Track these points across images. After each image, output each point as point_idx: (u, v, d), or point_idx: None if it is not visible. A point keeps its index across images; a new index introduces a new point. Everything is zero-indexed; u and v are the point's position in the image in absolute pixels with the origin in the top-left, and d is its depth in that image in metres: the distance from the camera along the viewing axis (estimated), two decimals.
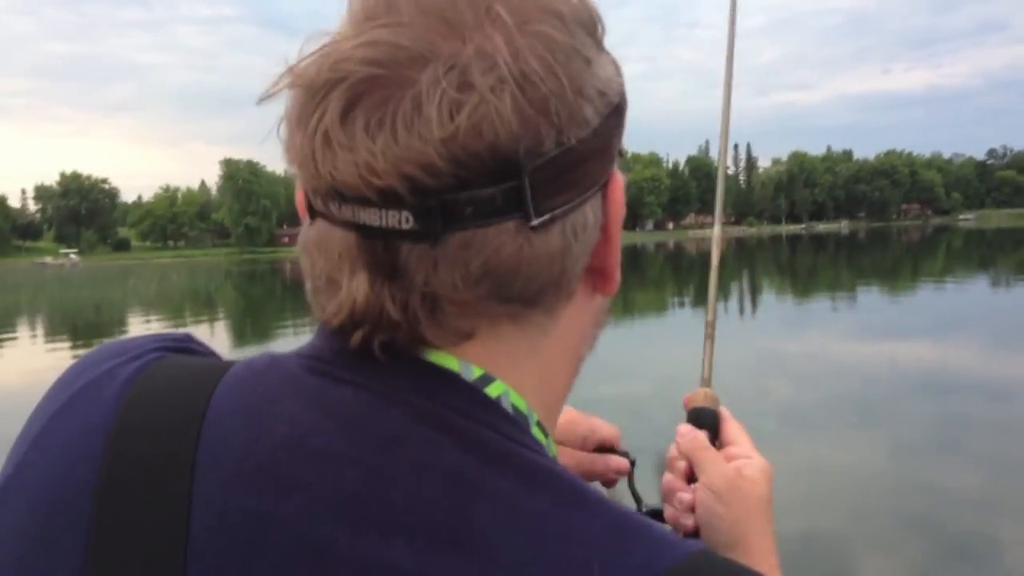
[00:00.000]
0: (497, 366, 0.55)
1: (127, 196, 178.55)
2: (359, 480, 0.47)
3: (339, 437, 0.49)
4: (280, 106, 0.51)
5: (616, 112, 0.55)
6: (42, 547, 0.50)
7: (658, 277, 38.38)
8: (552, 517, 0.47)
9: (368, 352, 0.52)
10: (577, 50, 0.51)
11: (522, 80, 0.47)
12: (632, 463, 0.97)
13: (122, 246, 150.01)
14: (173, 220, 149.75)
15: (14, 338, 21.57)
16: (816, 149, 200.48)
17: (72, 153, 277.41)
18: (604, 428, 0.97)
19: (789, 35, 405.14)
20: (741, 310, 21.28)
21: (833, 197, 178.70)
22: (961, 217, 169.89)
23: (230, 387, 0.54)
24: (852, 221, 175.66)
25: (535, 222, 0.50)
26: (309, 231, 0.54)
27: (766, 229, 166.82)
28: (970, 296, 22.14)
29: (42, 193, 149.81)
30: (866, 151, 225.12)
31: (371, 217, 0.48)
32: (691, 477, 0.86)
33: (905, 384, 10.78)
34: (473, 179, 0.47)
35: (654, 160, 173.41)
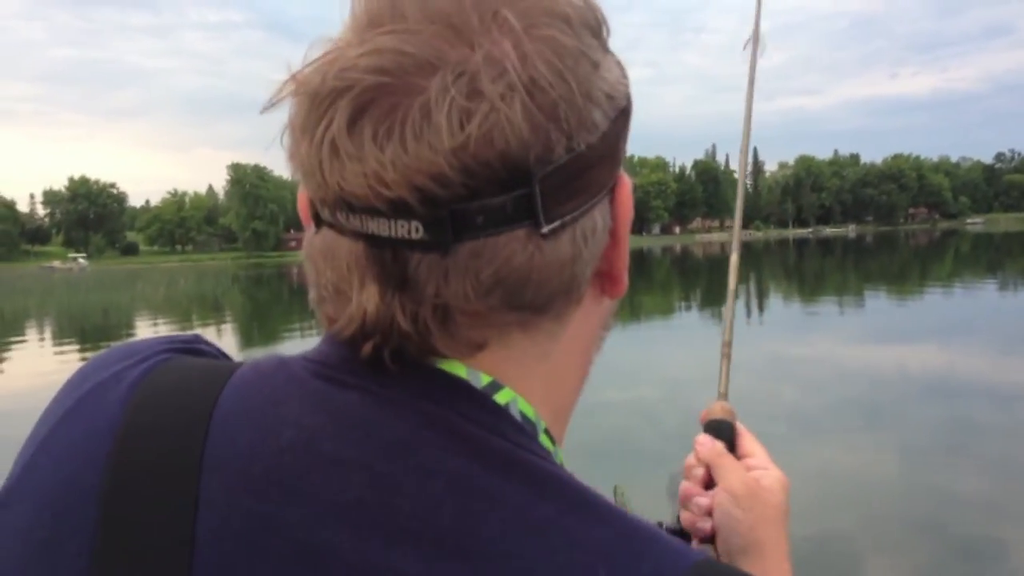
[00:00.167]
0: (506, 374, 0.54)
1: (135, 201, 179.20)
2: (365, 485, 0.47)
3: (345, 442, 0.49)
4: (286, 111, 0.50)
5: (623, 115, 0.55)
6: (48, 550, 0.49)
7: (665, 281, 38.36)
8: (559, 524, 0.47)
9: (377, 359, 0.52)
10: (585, 53, 0.50)
11: (531, 86, 0.47)
12: None
13: (130, 250, 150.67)
14: (181, 225, 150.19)
15: (23, 341, 21.64)
16: (823, 153, 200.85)
17: (80, 158, 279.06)
18: None
19: (796, 39, 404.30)
20: (748, 314, 21.22)
21: (840, 201, 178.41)
22: (969, 221, 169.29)
23: (236, 389, 0.54)
24: (859, 225, 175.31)
25: (545, 229, 0.49)
26: (315, 239, 0.53)
27: (773, 233, 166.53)
28: (978, 300, 22.04)
29: (51, 198, 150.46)
30: (873, 155, 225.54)
31: (380, 227, 0.48)
32: (708, 484, 0.87)
33: (913, 388, 10.75)
34: (483, 188, 0.47)
35: (660, 164, 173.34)
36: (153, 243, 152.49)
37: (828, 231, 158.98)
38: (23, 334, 24.12)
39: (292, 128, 0.50)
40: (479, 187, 0.47)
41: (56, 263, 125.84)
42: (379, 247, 0.49)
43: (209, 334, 19.88)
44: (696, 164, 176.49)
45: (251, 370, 0.56)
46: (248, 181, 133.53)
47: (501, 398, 0.54)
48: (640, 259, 64.18)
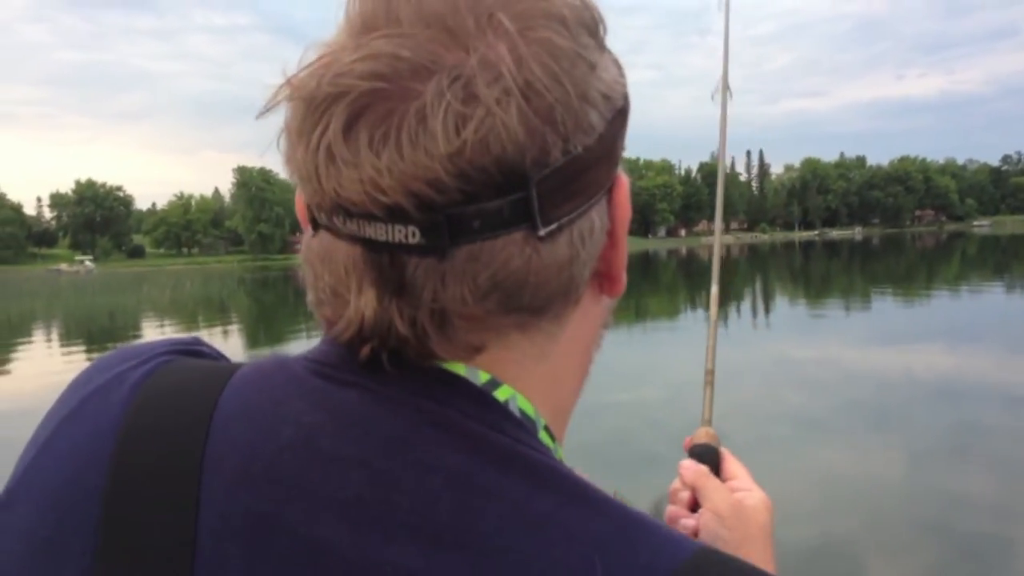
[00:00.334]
0: (505, 373, 0.54)
1: (141, 204, 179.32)
2: (364, 482, 0.47)
3: (344, 439, 0.49)
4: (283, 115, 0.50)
5: (620, 115, 0.54)
6: (50, 550, 0.50)
7: (671, 283, 38.32)
8: (557, 517, 0.47)
9: (375, 360, 0.52)
10: (581, 55, 0.50)
11: (527, 90, 0.46)
12: None
13: (136, 253, 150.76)
14: (187, 227, 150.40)
15: (30, 343, 21.73)
16: (829, 155, 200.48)
17: (86, 161, 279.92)
18: None
19: (800, 41, 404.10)
20: (754, 316, 21.23)
21: (846, 203, 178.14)
22: (976, 223, 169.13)
23: (237, 389, 0.54)
24: (866, 227, 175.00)
25: (542, 232, 0.49)
26: (312, 242, 0.53)
27: (779, 235, 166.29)
28: (985, 303, 22.02)
29: (57, 201, 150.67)
30: (879, 157, 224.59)
31: (377, 232, 0.48)
32: (693, 507, 0.89)
33: (919, 390, 10.73)
34: (480, 192, 0.47)
35: (666, 167, 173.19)
36: (159, 246, 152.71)
37: (834, 233, 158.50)
38: (30, 336, 24.23)
39: (288, 133, 0.50)
40: (475, 192, 0.46)
41: (63, 266, 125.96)
42: (376, 251, 0.49)
43: (215, 336, 19.96)
44: (702, 167, 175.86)
45: (251, 370, 0.57)
46: (254, 184, 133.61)
47: (500, 395, 0.54)
48: (645, 262, 64.14)
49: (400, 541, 0.45)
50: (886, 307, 22.45)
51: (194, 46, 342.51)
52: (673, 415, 8.88)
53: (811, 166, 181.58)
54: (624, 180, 0.57)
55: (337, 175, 0.47)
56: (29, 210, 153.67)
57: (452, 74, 0.46)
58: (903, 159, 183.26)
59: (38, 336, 24.52)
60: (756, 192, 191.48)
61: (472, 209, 0.47)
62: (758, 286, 33.39)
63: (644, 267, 54.82)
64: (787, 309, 23.54)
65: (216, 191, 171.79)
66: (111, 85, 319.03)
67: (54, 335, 24.75)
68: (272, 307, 33.33)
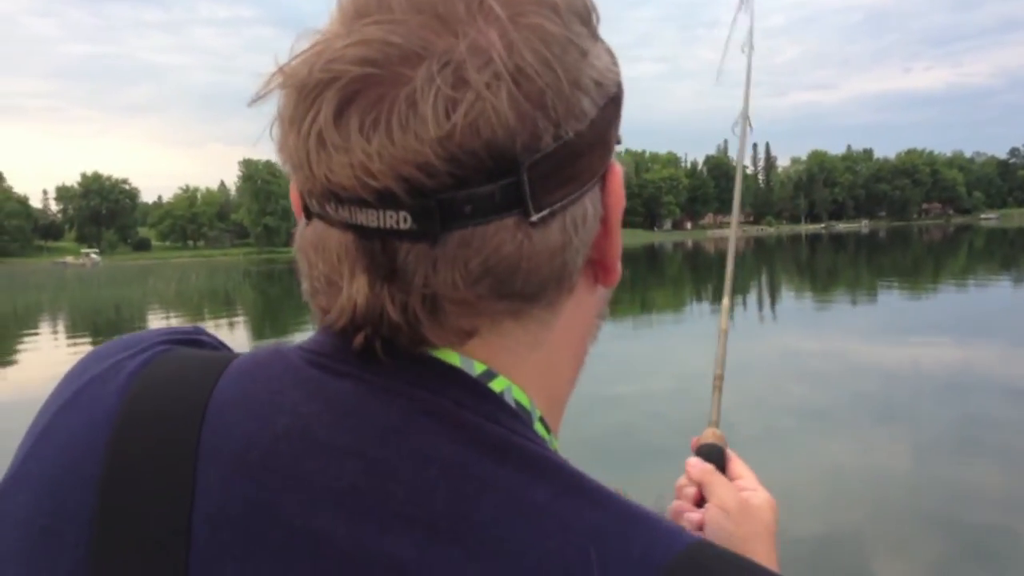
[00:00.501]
0: (499, 362, 0.54)
1: (147, 196, 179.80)
2: (359, 471, 0.47)
3: (340, 429, 0.49)
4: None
5: (613, 102, 0.54)
6: (47, 538, 0.50)
7: (677, 276, 38.26)
8: (552, 508, 0.47)
9: (369, 349, 0.52)
10: (572, 41, 0.50)
11: (517, 75, 0.46)
12: None
13: (142, 246, 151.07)
14: (193, 220, 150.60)
15: (36, 335, 21.80)
16: (836, 148, 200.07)
17: (93, 154, 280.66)
18: None
19: (808, 34, 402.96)
20: (760, 309, 21.18)
21: (853, 196, 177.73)
22: (983, 216, 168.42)
23: (233, 378, 0.54)
24: (872, 220, 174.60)
25: (534, 218, 0.49)
26: (305, 231, 0.53)
27: (785, 228, 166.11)
28: (992, 296, 21.94)
29: (63, 193, 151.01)
30: (886, 150, 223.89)
31: (368, 218, 0.48)
32: (699, 503, 0.90)
33: (926, 383, 10.68)
34: (471, 177, 0.46)
35: (672, 160, 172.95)
36: (165, 239, 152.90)
37: (841, 227, 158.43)
38: (36, 328, 24.31)
39: (281, 120, 0.50)
40: (466, 176, 0.46)
41: (69, 259, 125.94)
42: (368, 238, 0.49)
43: (221, 329, 19.96)
44: (708, 159, 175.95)
45: (248, 360, 0.57)
46: (260, 177, 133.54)
47: (496, 386, 0.54)
48: (652, 255, 64.04)
49: (395, 531, 0.45)
50: (893, 300, 22.36)
51: (200, 39, 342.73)
52: (679, 409, 8.85)
53: (818, 159, 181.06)
54: (618, 168, 0.57)
55: (328, 160, 0.47)
56: (35, 203, 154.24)
57: (442, 59, 0.46)
58: (910, 152, 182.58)
59: (44, 328, 24.57)
60: (762, 185, 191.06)
61: (463, 194, 0.47)
62: (764, 279, 33.31)
63: (650, 260, 54.75)
64: (794, 302, 23.46)
65: (222, 184, 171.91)
66: (118, 78, 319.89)
67: (60, 327, 24.78)
68: (278, 300, 33.32)
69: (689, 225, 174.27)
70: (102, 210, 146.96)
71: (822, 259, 49.72)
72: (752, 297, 24.30)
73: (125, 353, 0.59)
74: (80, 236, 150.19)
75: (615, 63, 0.56)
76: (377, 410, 0.50)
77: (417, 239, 0.48)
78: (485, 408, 0.52)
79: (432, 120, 0.45)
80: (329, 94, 0.46)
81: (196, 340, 0.63)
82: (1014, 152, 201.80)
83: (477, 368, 0.53)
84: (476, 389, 0.53)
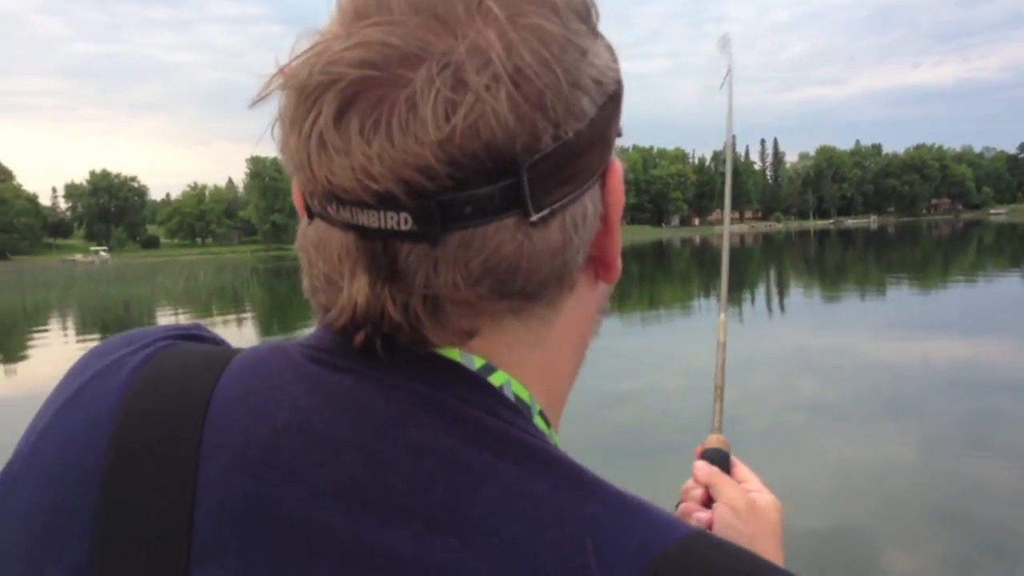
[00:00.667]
0: (499, 358, 0.55)
1: (156, 194, 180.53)
2: (358, 464, 0.48)
3: (339, 422, 0.50)
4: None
5: (612, 100, 0.54)
6: (51, 534, 0.50)
7: (684, 272, 38.19)
8: (549, 500, 0.47)
9: (369, 347, 0.52)
10: (571, 40, 0.50)
11: (517, 76, 0.47)
12: None
13: (151, 243, 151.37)
14: (201, 218, 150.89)
15: (46, 332, 21.87)
16: (844, 144, 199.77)
17: (101, 152, 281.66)
18: None
19: (816, 30, 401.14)
20: (769, 305, 21.13)
21: (862, 192, 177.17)
22: (992, 211, 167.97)
23: (234, 374, 0.55)
24: (881, 216, 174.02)
25: (534, 217, 0.49)
26: (307, 230, 0.54)
27: (793, 224, 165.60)
28: (1002, 291, 21.87)
29: (72, 191, 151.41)
30: (895, 145, 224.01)
31: (369, 219, 0.48)
32: (707, 504, 0.91)
33: (935, 379, 10.65)
34: (471, 179, 0.47)
35: (680, 156, 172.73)
36: (173, 236, 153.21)
37: (849, 222, 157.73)
38: (46, 325, 24.40)
39: (282, 121, 0.50)
40: (466, 178, 0.47)
41: (78, 256, 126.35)
42: (369, 238, 0.49)
43: (230, 325, 20.03)
44: (716, 155, 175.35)
45: (249, 355, 0.57)
46: (267, 174, 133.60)
47: (495, 380, 0.54)
48: (659, 251, 63.94)
49: (394, 523, 0.46)
50: (902, 296, 22.30)
51: (208, 36, 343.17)
52: (687, 405, 8.83)
53: (826, 154, 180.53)
54: (617, 165, 0.57)
55: (329, 163, 0.47)
56: (44, 201, 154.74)
57: (441, 61, 0.46)
58: (919, 147, 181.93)
59: (53, 325, 24.67)
60: (770, 181, 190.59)
61: (463, 195, 0.47)
62: (772, 275, 33.23)
63: (658, 256, 54.66)
64: (802, 298, 23.42)
65: (230, 181, 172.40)
66: (127, 76, 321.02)
67: (69, 325, 24.89)
68: (285, 296, 33.35)
69: (697, 221, 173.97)
70: (111, 208, 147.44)
71: (831, 255, 49.61)
72: (760, 293, 24.25)
73: (127, 349, 0.59)
74: (89, 234, 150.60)
75: (615, 60, 0.56)
76: (376, 404, 0.50)
77: (418, 240, 0.48)
78: (484, 402, 0.52)
79: (432, 123, 0.45)
80: (329, 96, 0.46)
81: (197, 336, 0.64)
82: (1023, 147, 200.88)
83: (476, 363, 0.54)
84: (475, 383, 0.53)
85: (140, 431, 0.52)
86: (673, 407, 9.03)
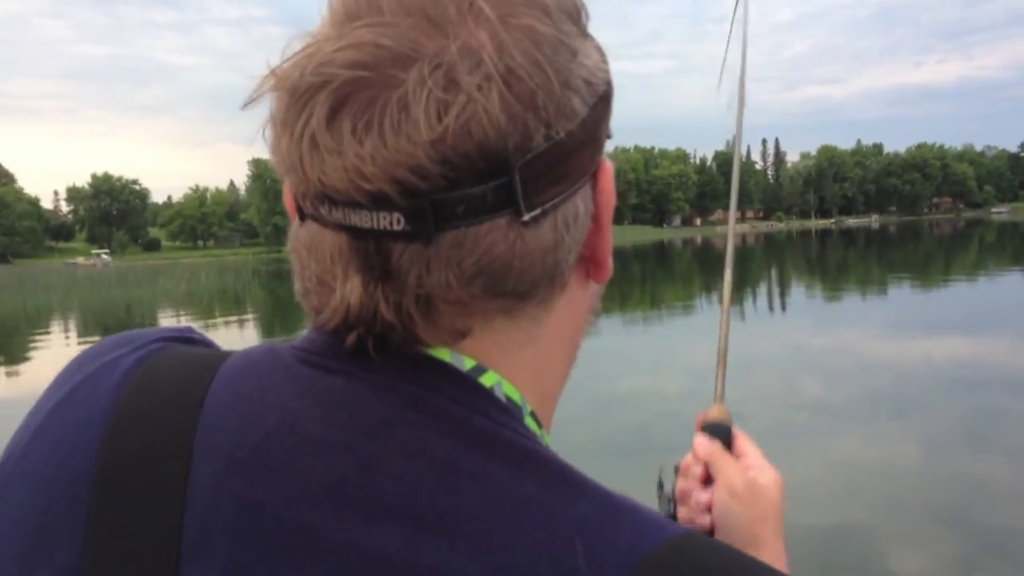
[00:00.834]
0: (491, 358, 0.55)
1: (157, 197, 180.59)
2: (348, 466, 0.48)
3: (329, 424, 0.50)
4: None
5: (603, 101, 0.54)
6: (43, 535, 0.50)
7: (686, 272, 38.17)
8: (539, 500, 0.47)
9: (361, 348, 0.52)
10: (562, 41, 0.50)
11: (508, 76, 0.47)
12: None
13: (152, 246, 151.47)
14: (202, 220, 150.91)
15: (47, 335, 21.86)
16: (846, 143, 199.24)
17: (103, 155, 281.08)
18: None
19: (818, 29, 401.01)
20: (770, 305, 21.11)
21: (863, 191, 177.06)
22: (994, 210, 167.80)
23: (226, 376, 0.55)
24: (883, 215, 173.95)
25: (526, 217, 0.49)
26: (299, 231, 0.54)
27: (795, 224, 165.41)
28: (1004, 290, 21.83)
29: (74, 194, 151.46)
30: (897, 144, 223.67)
31: (362, 219, 0.48)
32: (706, 482, 0.89)
33: (937, 379, 10.62)
34: (463, 178, 0.47)
35: (681, 156, 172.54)
36: (175, 239, 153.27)
37: (851, 221, 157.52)
38: (48, 328, 24.40)
39: (273, 123, 0.50)
40: (459, 178, 0.47)
41: (80, 259, 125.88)
42: (362, 239, 0.49)
43: (231, 328, 20.03)
44: (717, 155, 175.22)
45: (241, 358, 0.57)
46: (269, 176, 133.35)
47: (486, 381, 0.54)
48: (661, 251, 63.92)
49: (384, 524, 0.46)
50: (903, 295, 22.26)
51: (211, 39, 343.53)
52: (688, 405, 8.81)
53: (827, 154, 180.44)
54: (608, 165, 0.57)
55: (321, 164, 0.47)
56: (46, 204, 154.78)
57: (433, 62, 0.46)
58: (920, 146, 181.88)
59: (55, 328, 24.67)
60: (772, 180, 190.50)
61: (456, 195, 0.47)
62: (774, 275, 33.21)
63: (660, 257, 54.64)
64: (804, 298, 23.39)
65: (231, 184, 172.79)
66: (130, 79, 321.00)
67: (71, 327, 24.88)
68: (287, 299, 33.22)
69: (698, 221, 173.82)
70: (112, 211, 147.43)
71: (832, 254, 49.54)
72: (762, 293, 24.23)
73: (120, 351, 0.59)
74: (91, 237, 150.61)
75: (604, 61, 0.56)
76: (367, 405, 0.50)
77: (410, 240, 0.48)
78: (475, 403, 0.52)
79: (424, 123, 0.45)
80: (321, 97, 0.46)
81: (188, 339, 0.64)
82: None
83: (467, 363, 0.54)
84: (465, 384, 0.53)
85: (133, 433, 0.52)
86: (674, 407, 9.00)
